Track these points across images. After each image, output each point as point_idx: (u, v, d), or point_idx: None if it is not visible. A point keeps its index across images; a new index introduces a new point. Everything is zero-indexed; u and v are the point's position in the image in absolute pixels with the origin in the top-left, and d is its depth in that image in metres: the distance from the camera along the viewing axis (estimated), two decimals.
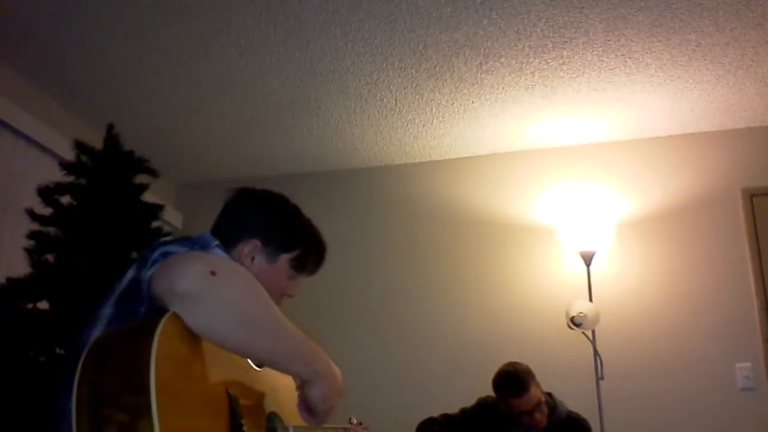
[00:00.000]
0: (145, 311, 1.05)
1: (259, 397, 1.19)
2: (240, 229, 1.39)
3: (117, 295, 1.13)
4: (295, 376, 1.09)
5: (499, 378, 2.71)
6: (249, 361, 1.17)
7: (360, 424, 1.89)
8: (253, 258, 1.36)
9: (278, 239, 1.40)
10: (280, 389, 1.28)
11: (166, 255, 1.05)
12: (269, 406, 1.21)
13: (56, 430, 1.03)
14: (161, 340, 0.88)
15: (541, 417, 2.65)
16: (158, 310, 0.99)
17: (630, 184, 3.77)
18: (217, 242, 1.13)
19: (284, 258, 1.41)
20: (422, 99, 3.36)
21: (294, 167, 4.16)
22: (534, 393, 2.62)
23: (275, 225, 1.42)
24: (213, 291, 0.97)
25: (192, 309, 0.95)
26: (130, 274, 1.13)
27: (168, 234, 2.90)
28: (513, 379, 2.64)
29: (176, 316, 0.95)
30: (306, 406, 1.19)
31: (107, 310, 1.11)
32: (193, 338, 0.97)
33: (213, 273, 0.97)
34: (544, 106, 3.44)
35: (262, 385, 1.20)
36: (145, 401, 0.83)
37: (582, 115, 3.55)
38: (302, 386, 1.14)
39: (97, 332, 1.08)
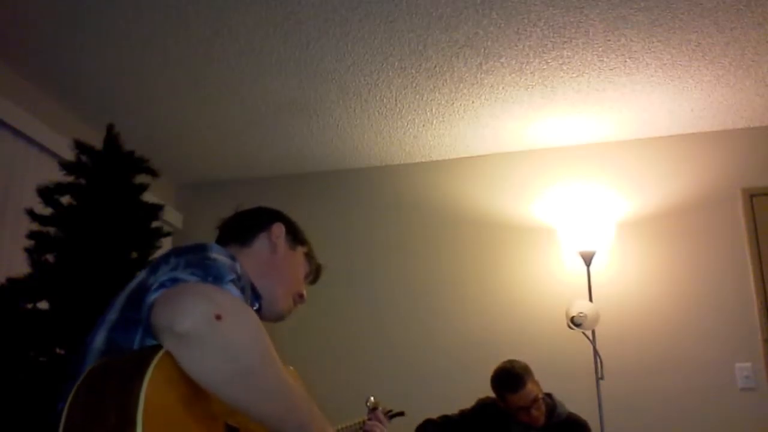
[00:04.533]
0: (143, 331, 1.01)
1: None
2: (262, 219, 1.44)
3: (124, 299, 1.10)
4: None
5: (496, 374, 2.74)
6: None
7: (375, 407, 1.88)
8: (276, 245, 1.41)
9: (294, 231, 1.46)
10: None
11: (175, 281, 0.97)
12: None
13: None
14: (150, 385, 0.84)
15: (537, 414, 2.65)
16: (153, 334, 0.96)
17: (630, 184, 3.77)
18: (232, 276, 1.04)
19: (300, 250, 1.46)
20: (422, 99, 3.36)
21: (294, 167, 4.16)
22: (531, 388, 2.64)
23: (288, 220, 1.48)
24: (214, 337, 0.91)
25: (187, 352, 0.90)
26: (141, 276, 1.11)
27: (168, 234, 2.90)
28: (509, 375, 2.68)
29: (168, 356, 0.90)
30: None
31: (112, 316, 1.09)
32: (187, 376, 0.93)
33: (218, 317, 0.91)
34: (544, 106, 3.44)
35: None
36: None
37: (582, 115, 3.55)
38: None
39: (100, 337, 1.07)
